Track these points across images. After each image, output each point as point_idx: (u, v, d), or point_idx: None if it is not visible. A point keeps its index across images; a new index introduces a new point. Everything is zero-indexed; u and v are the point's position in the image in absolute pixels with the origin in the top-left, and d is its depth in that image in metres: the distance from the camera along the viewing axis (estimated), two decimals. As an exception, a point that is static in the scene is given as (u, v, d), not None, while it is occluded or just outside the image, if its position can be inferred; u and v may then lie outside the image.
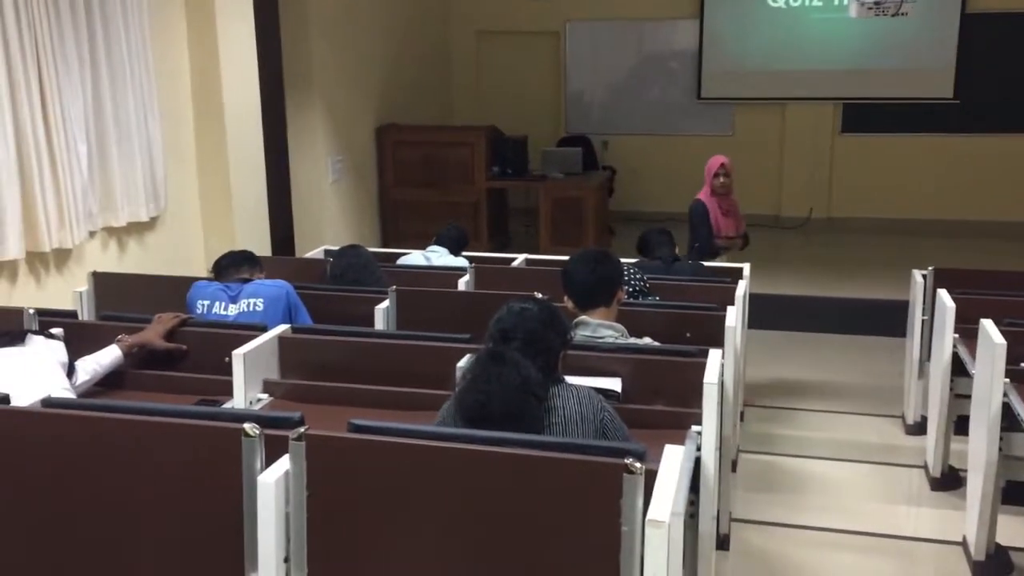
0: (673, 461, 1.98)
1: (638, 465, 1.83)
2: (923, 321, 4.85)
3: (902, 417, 5.19)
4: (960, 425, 4.39)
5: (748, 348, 5.26)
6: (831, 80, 9.77)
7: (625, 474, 1.83)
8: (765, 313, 5.62)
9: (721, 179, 5.58)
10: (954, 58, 9.51)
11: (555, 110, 10.56)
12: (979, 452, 3.64)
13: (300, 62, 7.36)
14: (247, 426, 2.02)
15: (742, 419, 5.10)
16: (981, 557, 3.66)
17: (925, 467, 4.55)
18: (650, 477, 1.90)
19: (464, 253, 5.30)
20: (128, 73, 5.21)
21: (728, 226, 5.64)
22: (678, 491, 1.93)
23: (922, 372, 4.88)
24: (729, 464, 3.88)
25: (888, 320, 5.91)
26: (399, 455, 1.98)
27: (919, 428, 4.91)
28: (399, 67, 8.93)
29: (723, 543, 3.79)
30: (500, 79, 10.49)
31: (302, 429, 1.99)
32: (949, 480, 4.40)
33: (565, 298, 3.36)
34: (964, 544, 3.83)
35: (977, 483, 3.65)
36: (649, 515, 1.81)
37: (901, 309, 5.32)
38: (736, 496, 4.26)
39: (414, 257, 5.18)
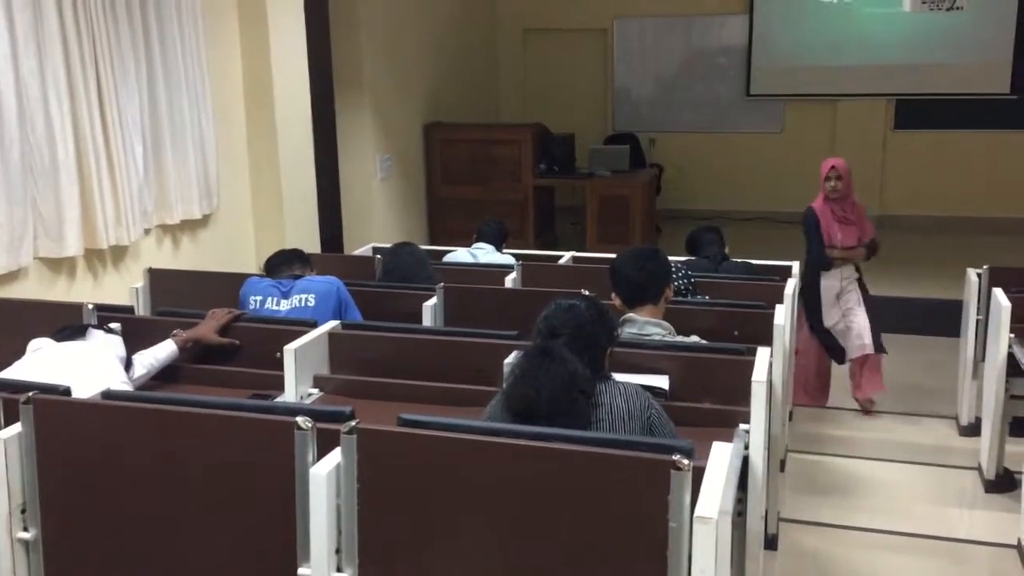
0: (721, 459, 1.98)
1: (686, 462, 1.83)
2: (978, 321, 4.77)
3: (956, 418, 5.11)
4: (1016, 426, 4.33)
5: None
6: (884, 76, 9.62)
7: (673, 471, 1.83)
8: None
9: (832, 183, 5.10)
10: (1011, 52, 9.32)
11: (602, 108, 10.54)
12: (1035, 454, 3.57)
13: (350, 62, 7.44)
14: (300, 419, 2.06)
15: (791, 419, 5.06)
16: (1037, 561, 3.60)
17: (979, 469, 4.47)
18: (698, 474, 1.89)
19: (511, 251, 5.32)
20: (182, 74, 5.31)
21: (848, 235, 5.14)
22: (725, 488, 1.92)
23: (976, 372, 4.81)
24: (777, 464, 3.85)
25: (941, 319, 5.82)
26: (448, 449, 2.00)
27: (973, 429, 4.82)
28: (447, 66, 8.98)
29: (771, 543, 3.76)
30: (547, 77, 10.50)
31: (353, 423, 2.02)
32: (1004, 482, 4.32)
33: (613, 295, 3.36)
34: (1019, 547, 3.76)
35: (1033, 485, 3.59)
36: (697, 512, 1.81)
37: (955, 308, 5.23)
38: (785, 496, 4.22)
39: (460, 254, 5.21)
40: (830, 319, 5.25)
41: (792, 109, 10.07)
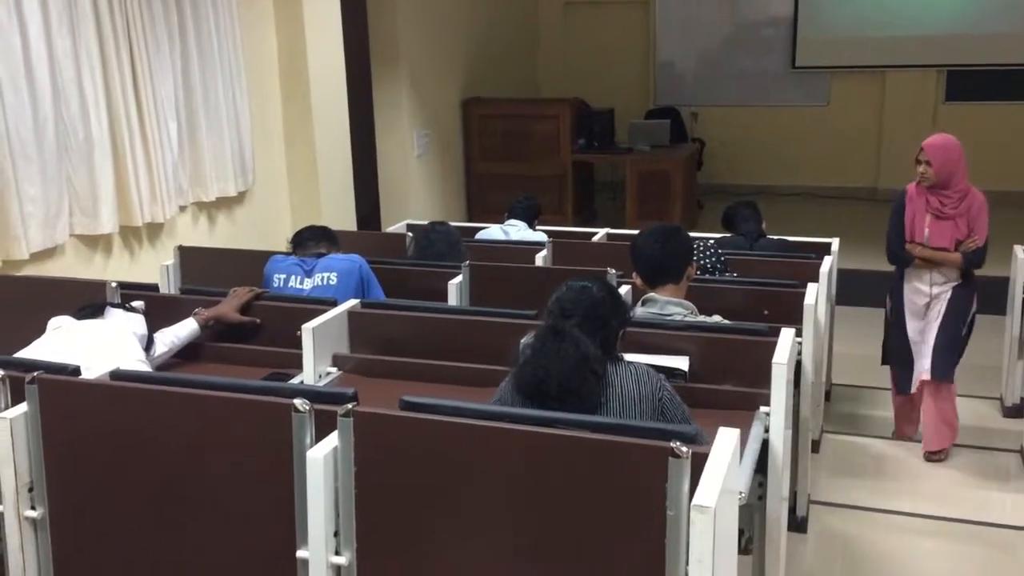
0: (726, 444, 1.92)
1: (684, 449, 1.78)
2: (1023, 299, 4.62)
3: (1000, 399, 4.97)
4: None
5: (838, 325, 5.11)
6: (935, 46, 9.31)
7: (671, 458, 1.78)
8: (858, 289, 5.43)
9: (921, 167, 4.11)
10: (1070, 19, 8.96)
11: (643, 81, 10.39)
12: (1077, 438, 3.45)
13: (386, 36, 7.40)
14: (297, 402, 2.04)
15: (828, 399, 4.96)
16: (1078, 548, 3.48)
17: (1021, 451, 4.34)
18: (700, 461, 1.84)
19: (547, 228, 5.27)
20: (216, 51, 5.33)
21: (939, 233, 4.14)
22: (730, 473, 1.87)
23: (1022, 352, 4.67)
24: (808, 445, 3.77)
25: (987, 297, 5.62)
26: (444, 432, 1.97)
27: (1017, 411, 4.70)
28: (485, 40, 8.90)
29: (801, 525, 3.70)
30: (587, 51, 10.36)
31: (350, 405, 2.00)
32: (1047, 466, 4.19)
33: (634, 274, 3.30)
34: (1060, 534, 3.65)
35: (1074, 471, 3.47)
36: (695, 500, 1.76)
37: (1002, 286, 5.07)
38: (818, 478, 4.14)
39: (492, 231, 5.18)
40: (911, 331, 4.36)
41: (839, 81, 9.81)
